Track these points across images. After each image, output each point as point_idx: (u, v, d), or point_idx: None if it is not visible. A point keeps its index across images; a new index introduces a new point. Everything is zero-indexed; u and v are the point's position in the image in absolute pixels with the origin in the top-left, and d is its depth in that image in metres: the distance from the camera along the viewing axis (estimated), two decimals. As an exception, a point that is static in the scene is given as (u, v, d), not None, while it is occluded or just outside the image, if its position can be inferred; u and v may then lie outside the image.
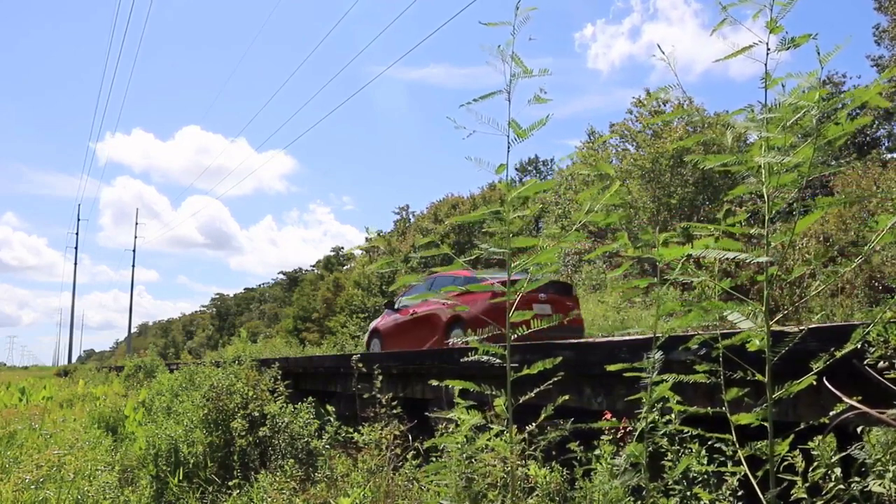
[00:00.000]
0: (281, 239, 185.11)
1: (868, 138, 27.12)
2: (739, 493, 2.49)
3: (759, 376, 2.27)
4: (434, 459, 3.35)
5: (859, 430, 2.16)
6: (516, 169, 52.18)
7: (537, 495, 3.04)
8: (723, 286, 2.46)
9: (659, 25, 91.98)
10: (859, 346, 2.15)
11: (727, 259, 2.27)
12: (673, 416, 2.71)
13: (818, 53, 2.02)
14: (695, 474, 2.62)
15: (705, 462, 2.60)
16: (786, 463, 2.25)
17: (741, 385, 2.43)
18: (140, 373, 15.85)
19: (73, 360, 61.67)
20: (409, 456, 4.18)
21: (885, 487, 2.02)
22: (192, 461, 5.76)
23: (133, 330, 65.18)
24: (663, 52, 2.32)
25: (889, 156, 23.95)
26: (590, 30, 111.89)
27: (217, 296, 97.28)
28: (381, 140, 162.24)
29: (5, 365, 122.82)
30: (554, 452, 3.21)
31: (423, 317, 9.91)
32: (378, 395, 4.66)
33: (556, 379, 3.09)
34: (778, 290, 11.63)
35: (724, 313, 2.30)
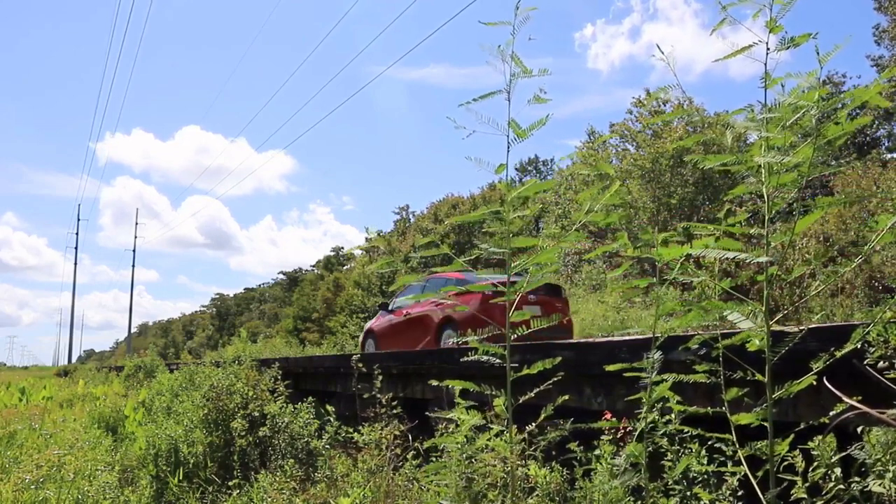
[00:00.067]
0: (281, 239, 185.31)
1: (868, 138, 27.11)
2: (739, 493, 2.49)
3: (759, 376, 2.27)
4: (434, 459, 3.35)
5: (859, 430, 2.16)
6: (516, 169, 52.22)
7: (537, 495, 3.04)
8: (723, 286, 2.46)
9: (659, 25, 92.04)
10: (859, 346, 2.15)
11: (727, 259, 2.27)
12: (673, 415, 2.71)
13: (817, 53, 2.02)
14: (695, 474, 2.62)
15: (705, 462, 2.60)
16: (786, 463, 2.25)
17: (741, 385, 2.43)
18: (140, 373, 15.86)
19: (73, 360, 61.71)
20: (409, 456, 4.18)
21: (885, 487, 2.02)
22: (192, 461, 5.76)
23: (133, 330, 65.24)
24: (663, 53, 2.32)
25: (889, 156, 23.96)
26: (590, 30, 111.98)
27: (217, 296, 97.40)
28: (381, 140, 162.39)
29: (5, 365, 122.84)
30: (554, 452, 3.21)
31: (415, 318, 10.05)
32: (378, 395, 4.66)
33: (555, 379, 3.09)
34: (778, 290, 11.64)
35: (724, 313, 2.30)
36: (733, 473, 2.50)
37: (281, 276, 78.59)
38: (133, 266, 51.00)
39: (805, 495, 2.18)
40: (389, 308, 11.23)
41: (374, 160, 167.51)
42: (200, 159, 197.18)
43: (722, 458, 2.54)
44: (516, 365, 3.06)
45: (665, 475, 2.67)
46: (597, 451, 2.97)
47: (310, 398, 5.95)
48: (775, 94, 2.21)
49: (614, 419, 3.02)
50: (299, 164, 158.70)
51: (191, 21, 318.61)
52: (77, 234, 56.56)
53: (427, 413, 4.93)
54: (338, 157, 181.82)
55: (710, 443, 2.56)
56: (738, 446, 2.38)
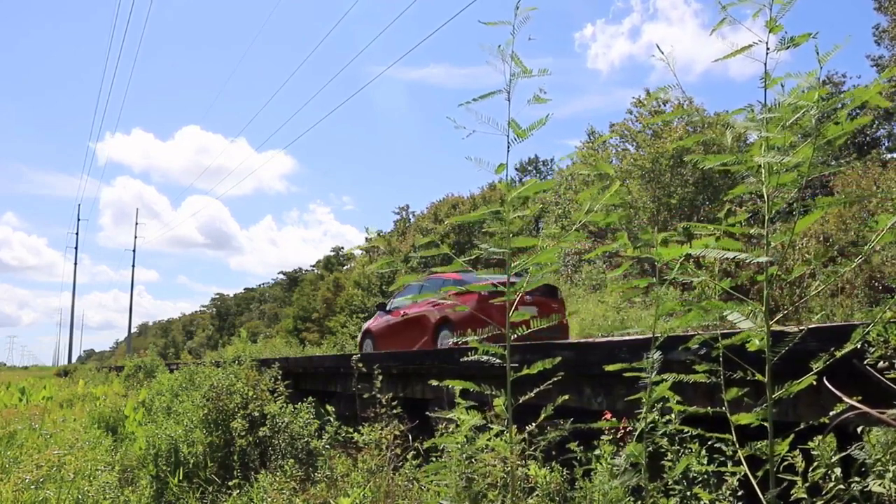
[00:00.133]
0: (281, 239, 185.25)
1: (868, 138, 27.12)
2: (739, 493, 2.49)
3: (759, 376, 2.27)
4: (434, 459, 3.36)
5: (859, 430, 2.15)
6: (516, 169, 52.22)
7: (537, 495, 3.04)
8: (723, 286, 2.46)
9: (659, 25, 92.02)
10: (859, 346, 2.15)
11: (727, 259, 2.27)
12: (673, 415, 2.71)
13: (817, 53, 2.02)
14: (695, 474, 2.62)
15: (705, 462, 2.60)
16: (786, 463, 2.25)
17: (741, 385, 2.43)
18: (140, 373, 15.86)
19: (73, 360, 61.72)
20: (409, 456, 4.18)
21: (885, 487, 2.02)
22: (192, 461, 5.76)
23: (133, 330, 65.25)
24: (662, 53, 2.32)
25: (889, 156, 23.96)
26: (590, 30, 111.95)
27: (217, 296, 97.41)
28: (381, 140, 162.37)
29: (5, 365, 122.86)
30: (554, 452, 3.21)
31: (412, 318, 10.13)
32: (378, 395, 4.66)
33: (555, 379, 3.09)
34: (778, 290, 11.64)
35: (724, 313, 2.30)
36: (733, 473, 2.49)
37: (281, 276, 78.65)
38: (133, 266, 51.08)
39: (805, 495, 2.18)
40: (387, 309, 11.31)
41: (374, 160, 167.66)
42: (200, 159, 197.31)
43: (722, 458, 2.54)
44: (516, 365, 3.06)
45: (665, 475, 2.67)
46: (597, 451, 2.97)
47: (310, 398, 5.95)
48: (775, 94, 2.21)
49: (614, 419, 3.02)
50: (299, 164, 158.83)
51: (191, 21, 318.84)
52: (77, 234, 56.58)
53: (427, 413, 4.93)
54: (338, 157, 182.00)
55: (710, 443, 2.56)
56: (738, 446, 2.38)
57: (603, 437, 3.04)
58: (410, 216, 52.13)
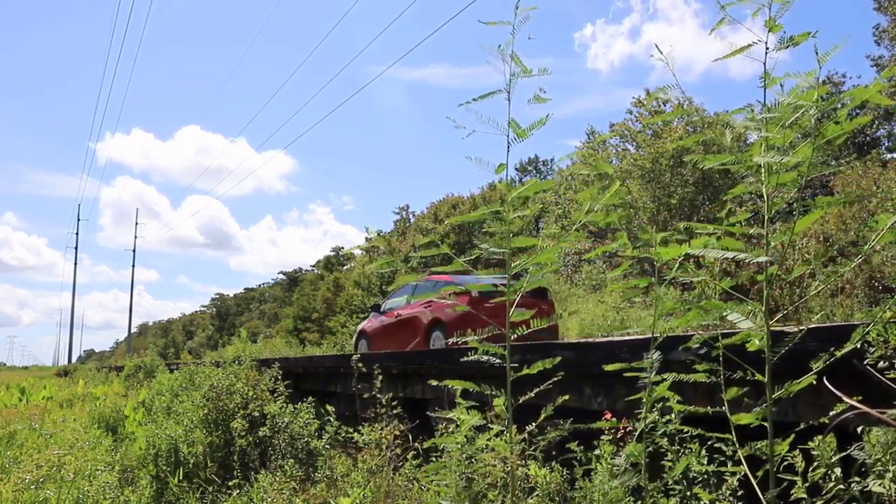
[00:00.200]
0: (281, 239, 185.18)
1: (868, 138, 27.11)
2: (739, 493, 2.49)
3: (758, 376, 2.27)
4: (434, 459, 3.36)
5: (859, 430, 2.15)
6: (516, 169, 52.21)
7: (537, 495, 3.04)
8: (723, 286, 2.46)
9: (659, 25, 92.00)
10: (859, 345, 2.15)
11: (726, 259, 2.27)
12: (673, 415, 2.71)
13: (816, 53, 2.02)
14: (695, 474, 2.62)
15: (705, 462, 2.60)
16: (786, 463, 2.25)
17: (741, 385, 2.43)
18: (140, 373, 15.86)
19: (73, 360, 61.71)
20: (409, 456, 4.17)
21: (885, 487, 2.02)
22: (192, 461, 5.76)
23: (133, 330, 65.25)
24: (661, 53, 2.32)
25: (889, 156, 23.94)
26: (590, 30, 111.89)
27: (217, 296, 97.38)
28: (381, 140, 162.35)
29: (5, 365, 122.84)
30: (554, 452, 3.21)
31: (406, 319, 10.29)
32: (378, 395, 4.66)
33: (555, 379, 3.09)
34: (778, 290, 11.64)
35: (724, 313, 2.30)
36: (733, 473, 2.49)
37: (281, 276, 78.63)
38: (133, 266, 51.09)
39: (805, 495, 2.18)
40: (381, 310, 11.44)
41: (374, 160, 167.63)
42: (200, 159, 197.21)
43: (722, 458, 2.54)
44: (516, 365, 3.06)
45: (665, 475, 2.67)
46: (597, 451, 2.97)
47: (310, 398, 5.95)
48: (774, 93, 2.21)
49: (614, 419, 3.02)
50: (299, 164, 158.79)
51: (191, 21, 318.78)
52: (77, 234, 56.61)
53: (427, 413, 4.93)
54: (338, 157, 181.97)
55: (710, 443, 2.56)
56: (738, 446, 2.38)
57: (603, 437, 3.03)
58: (410, 216, 52.15)
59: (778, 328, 2.40)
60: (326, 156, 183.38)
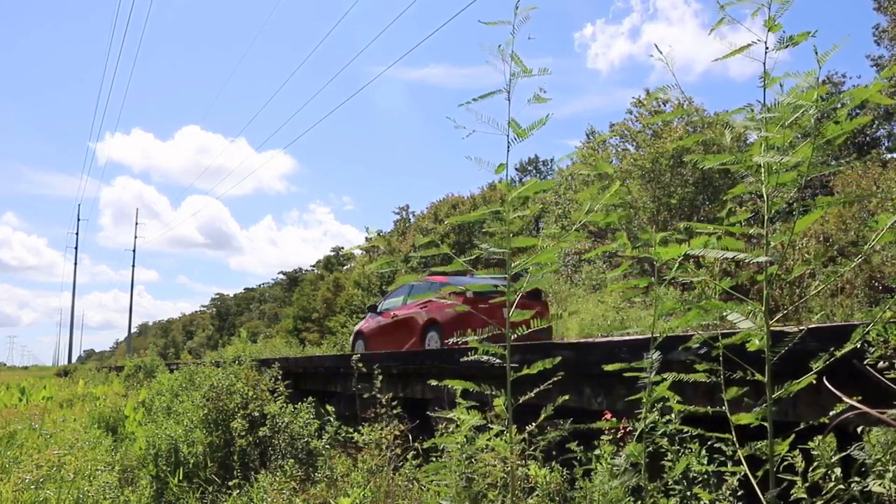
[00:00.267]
0: (281, 239, 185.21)
1: (868, 138, 27.10)
2: (739, 493, 2.49)
3: (758, 376, 2.27)
4: (434, 459, 3.35)
5: (859, 430, 2.15)
6: (516, 169, 52.16)
7: (537, 495, 3.04)
8: (722, 286, 2.46)
9: (659, 25, 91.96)
10: (859, 345, 2.15)
11: (727, 258, 2.27)
12: (673, 415, 2.71)
13: (816, 53, 2.02)
14: (695, 474, 2.62)
15: (705, 462, 2.60)
16: (786, 463, 2.25)
17: (741, 385, 2.43)
18: (140, 373, 15.86)
19: (73, 360, 61.71)
20: (409, 456, 4.17)
21: (885, 487, 2.02)
22: (192, 461, 5.76)
23: (133, 330, 65.24)
24: (661, 53, 2.32)
25: (889, 156, 23.93)
26: (589, 30, 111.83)
27: (217, 296, 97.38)
28: (381, 140, 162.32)
29: (5, 365, 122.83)
30: (554, 452, 3.21)
31: (402, 320, 10.37)
32: (378, 395, 4.66)
33: (555, 379, 3.09)
34: (778, 290, 11.64)
35: (724, 313, 2.30)
36: (733, 473, 2.49)
37: (281, 276, 78.63)
38: (133, 266, 51.06)
39: (805, 495, 2.18)
40: (378, 310, 11.51)
41: (374, 160, 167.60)
42: (200, 159, 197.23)
43: (722, 458, 2.54)
44: (516, 365, 3.06)
45: (665, 475, 2.67)
46: (597, 451, 2.97)
47: (310, 398, 5.95)
48: (774, 93, 2.21)
49: (614, 419, 3.02)
50: (299, 164, 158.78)
51: (191, 21, 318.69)
52: (77, 234, 56.54)
53: (427, 413, 4.93)
54: (338, 157, 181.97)
55: (710, 443, 2.56)
56: (738, 446, 2.38)
57: (603, 437, 3.03)
58: (410, 216, 52.14)
59: (778, 328, 2.40)
60: (326, 156, 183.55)
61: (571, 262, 25.08)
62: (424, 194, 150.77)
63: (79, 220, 53.31)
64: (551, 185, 24.54)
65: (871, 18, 48.99)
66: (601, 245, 3.67)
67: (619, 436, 3.04)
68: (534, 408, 3.07)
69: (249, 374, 6.28)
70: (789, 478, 2.23)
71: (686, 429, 2.63)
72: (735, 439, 2.39)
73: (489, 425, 3.09)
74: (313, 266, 63.92)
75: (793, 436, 2.25)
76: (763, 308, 2.23)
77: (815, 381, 2.18)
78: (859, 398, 1.64)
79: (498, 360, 2.96)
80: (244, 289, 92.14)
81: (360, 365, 5.46)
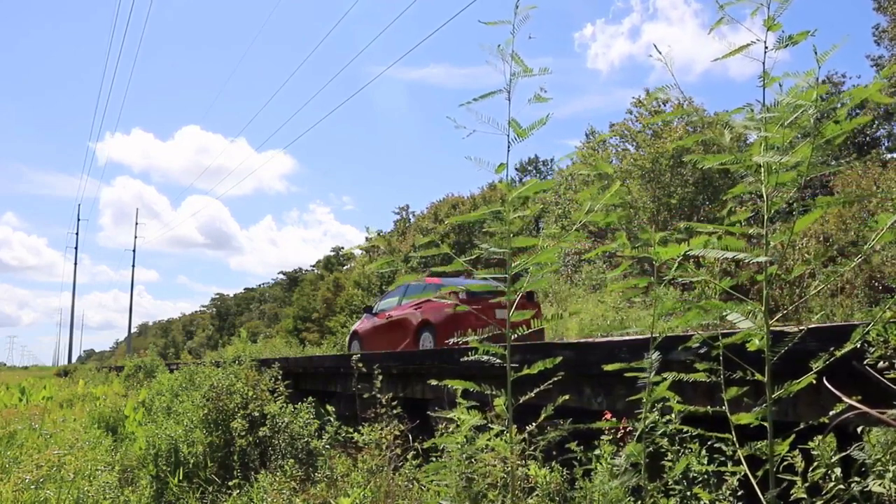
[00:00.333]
0: (281, 239, 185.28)
1: (868, 138, 27.09)
2: (739, 493, 2.49)
3: (758, 376, 2.27)
4: (434, 459, 3.35)
5: (859, 430, 2.15)
6: (516, 169, 52.17)
7: (537, 495, 3.04)
8: (722, 286, 2.46)
9: (659, 25, 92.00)
10: (859, 345, 2.14)
11: (726, 258, 2.27)
12: (673, 415, 2.71)
13: (815, 52, 2.02)
14: (695, 474, 2.62)
15: (705, 462, 2.60)
16: (786, 463, 2.25)
17: (741, 385, 2.43)
18: (140, 373, 15.85)
19: (73, 360, 61.69)
20: (409, 456, 4.17)
21: (885, 487, 2.02)
22: (192, 461, 5.76)
23: (133, 330, 65.23)
24: (660, 52, 2.32)
25: (889, 156, 23.91)
26: (589, 30, 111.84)
27: (217, 296, 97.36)
28: (381, 140, 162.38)
29: (5, 365, 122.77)
30: (554, 452, 3.21)
31: (396, 321, 10.44)
32: (378, 395, 4.66)
33: (556, 379, 3.09)
34: (778, 290, 11.63)
35: (724, 313, 2.30)
36: (733, 473, 2.49)
37: (281, 276, 78.61)
38: (133, 266, 51.05)
39: (805, 495, 2.18)
40: (373, 311, 11.56)
41: (374, 160, 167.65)
42: (200, 159, 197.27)
43: (722, 458, 2.54)
44: (516, 365, 3.06)
45: (665, 475, 2.67)
46: (597, 451, 2.97)
47: (310, 398, 5.95)
48: (774, 93, 2.21)
49: (614, 419, 3.02)
50: (299, 164, 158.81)
51: (191, 21, 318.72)
52: (77, 234, 56.64)
53: (427, 413, 4.93)
54: (338, 157, 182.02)
55: (710, 443, 2.56)
56: (738, 446, 2.38)
57: (603, 437, 3.03)
58: (410, 216, 52.14)
59: (778, 328, 2.40)
60: (326, 156, 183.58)
61: (571, 262, 25.07)
62: (424, 194, 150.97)
63: (79, 220, 53.37)
64: (551, 185, 24.55)
65: (870, 18, 48.97)
66: (601, 245, 3.67)
67: (619, 436, 3.04)
68: (534, 408, 3.07)
69: (249, 374, 6.28)
70: (789, 478, 2.24)
71: (686, 429, 2.63)
72: (735, 439, 2.39)
73: (489, 425, 3.09)
74: (313, 266, 63.93)
75: (793, 436, 2.25)
76: (763, 308, 2.23)
77: (814, 381, 2.18)
78: (859, 398, 1.64)
79: (498, 360, 2.96)
80: (244, 289, 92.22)
81: (360, 365, 5.46)
